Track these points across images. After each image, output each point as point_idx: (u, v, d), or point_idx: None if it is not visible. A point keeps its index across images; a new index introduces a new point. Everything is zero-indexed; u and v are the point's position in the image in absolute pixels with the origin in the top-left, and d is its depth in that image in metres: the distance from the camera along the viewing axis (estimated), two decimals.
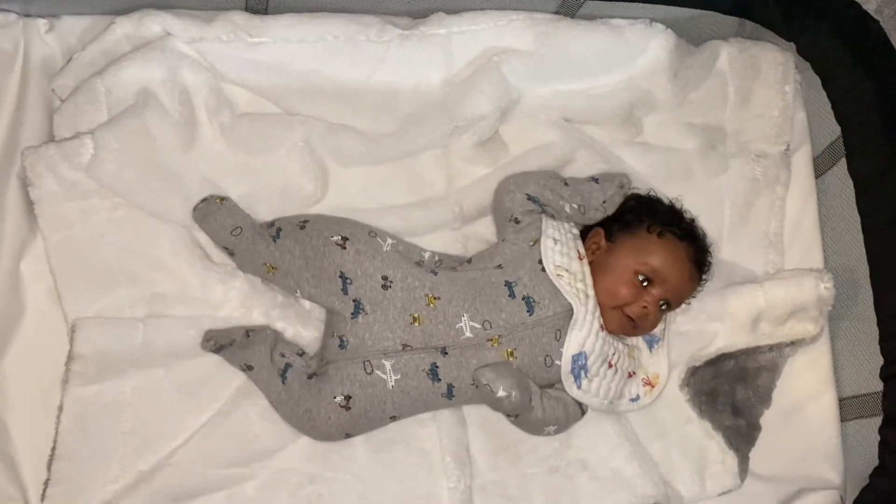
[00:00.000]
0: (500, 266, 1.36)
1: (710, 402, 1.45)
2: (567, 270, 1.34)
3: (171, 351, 1.33)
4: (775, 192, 1.55)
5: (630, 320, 1.35)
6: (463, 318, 1.30)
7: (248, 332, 1.32)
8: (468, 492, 1.37)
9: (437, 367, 1.29)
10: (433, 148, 1.49)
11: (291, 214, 1.40)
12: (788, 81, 1.56)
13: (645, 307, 1.34)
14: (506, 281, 1.33)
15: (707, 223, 1.51)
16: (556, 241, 1.38)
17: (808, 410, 1.48)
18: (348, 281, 1.30)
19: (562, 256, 1.36)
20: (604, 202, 1.43)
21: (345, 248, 1.31)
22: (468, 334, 1.30)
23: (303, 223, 1.35)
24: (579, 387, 1.33)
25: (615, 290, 1.34)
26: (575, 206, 1.42)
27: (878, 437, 1.35)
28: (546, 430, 1.34)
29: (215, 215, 1.36)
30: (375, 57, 1.45)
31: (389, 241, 1.36)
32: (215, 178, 1.40)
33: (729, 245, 1.54)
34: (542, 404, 1.30)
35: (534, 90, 1.52)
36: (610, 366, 1.35)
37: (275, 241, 1.34)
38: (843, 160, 1.48)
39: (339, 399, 1.27)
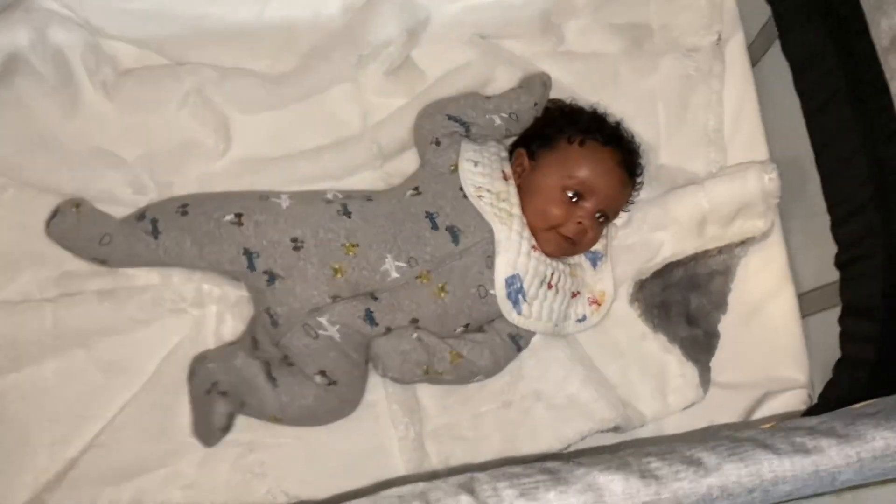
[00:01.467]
0: (417, 190, 1.28)
1: (663, 314, 1.38)
2: (488, 191, 1.26)
3: (88, 329, 1.26)
4: (711, 87, 1.46)
5: (567, 240, 1.27)
6: (387, 260, 1.22)
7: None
8: (419, 439, 1.30)
9: (371, 311, 1.22)
10: (341, 83, 1.39)
11: (183, 179, 1.31)
12: None
13: (580, 223, 1.26)
14: (426, 212, 1.25)
15: (641, 128, 1.42)
16: (476, 163, 1.29)
17: (767, 310, 1.41)
18: (254, 255, 1.21)
19: (483, 177, 1.27)
20: (535, 104, 1.35)
21: (242, 224, 1.21)
22: (395, 275, 1.22)
23: (182, 209, 1.24)
24: (520, 312, 1.26)
25: (545, 211, 1.26)
26: (505, 115, 1.33)
27: (839, 328, 1.28)
28: (473, 379, 1.28)
29: (75, 229, 1.24)
30: None
31: (285, 197, 1.26)
32: (106, 144, 1.31)
33: (667, 148, 1.45)
34: (449, 365, 1.23)
35: (442, 7, 1.42)
36: (550, 286, 1.27)
37: (156, 238, 1.23)
38: (777, 43, 1.38)
39: (318, 379, 1.21)
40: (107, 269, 1.29)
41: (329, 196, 1.30)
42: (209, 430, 1.21)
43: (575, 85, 1.42)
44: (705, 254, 1.38)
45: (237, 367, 1.21)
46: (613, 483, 0.76)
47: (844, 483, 0.80)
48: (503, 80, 1.41)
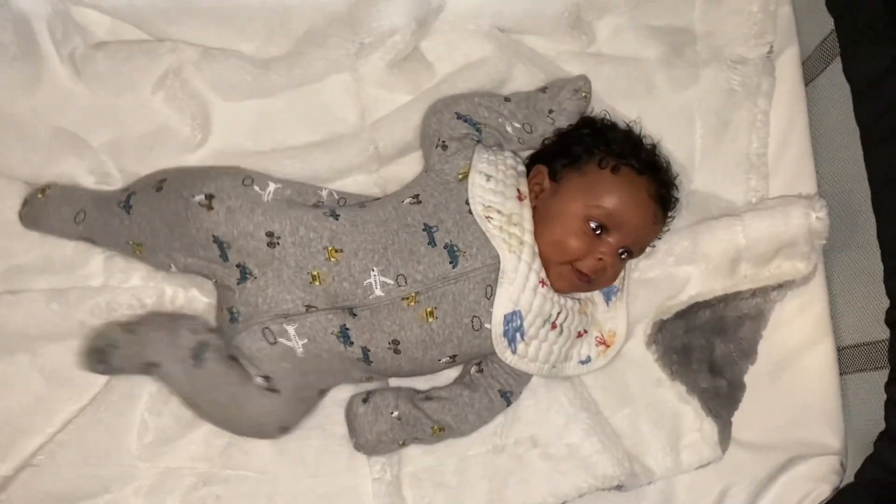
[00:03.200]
0: (417, 198, 1.13)
1: (682, 360, 1.22)
2: (499, 212, 1.10)
3: (33, 332, 1.14)
4: (756, 105, 1.28)
5: (582, 276, 1.11)
6: (372, 274, 1.08)
7: (128, 326, 1.10)
8: (396, 482, 1.17)
9: (347, 329, 1.08)
10: (339, 72, 1.23)
11: (153, 170, 1.17)
12: None
13: (601, 259, 1.10)
14: (425, 224, 1.10)
15: (674, 146, 1.26)
16: (489, 176, 1.13)
17: (800, 363, 1.25)
18: (226, 245, 1.07)
19: (494, 195, 1.12)
20: (550, 112, 1.18)
21: (212, 207, 1.06)
22: (378, 292, 1.07)
23: (159, 184, 1.10)
24: (514, 352, 1.11)
25: (563, 243, 1.10)
26: (518, 124, 1.18)
27: (885, 395, 1.12)
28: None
29: (46, 212, 1.13)
30: None
31: (272, 186, 1.11)
32: (70, 125, 1.18)
33: (702, 172, 1.28)
34: (431, 437, 1.14)
35: None
36: (553, 326, 1.12)
37: (128, 213, 1.10)
38: (838, 60, 1.21)
39: (259, 381, 1.08)
40: (61, 265, 1.16)
41: (323, 194, 1.16)
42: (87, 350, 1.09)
43: (603, 92, 1.25)
44: (736, 296, 1.22)
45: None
46: None
47: None
48: (521, 80, 1.25)
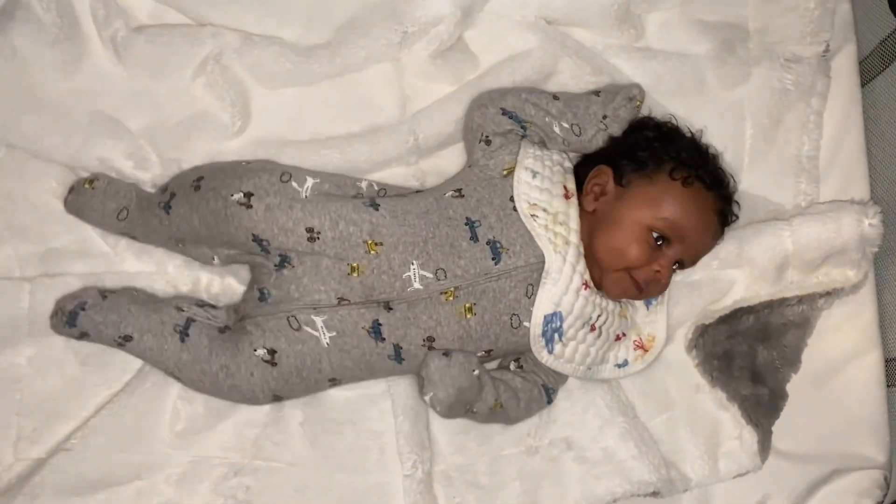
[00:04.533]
0: (460, 192, 1.10)
1: (724, 366, 1.19)
2: (545, 210, 1.08)
3: None
4: (810, 106, 1.24)
5: (637, 285, 1.08)
6: (412, 267, 1.06)
7: (103, 292, 1.10)
8: (427, 480, 1.15)
9: (379, 324, 1.06)
10: (380, 62, 1.20)
11: (191, 156, 1.16)
12: None
13: (658, 271, 1.07)
14: (468, 218, 1.08)
15: (723, 147, 1.23)
16: (535, 173, 1.11)
17: (846, 374, 1.22)
18: (265, 242, 1.06)
19: (540, 192, 1.09)
20: (604, 117, 1.15)
21: (251, 206, 1.05)
22: (417, 285, 1.06)
23: (196, 182, 1.09)
24: (551, 352, 1.09)
25: (624, 249, 1.07)
26: (566, 125, 1.15)
27: None
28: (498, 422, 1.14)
29: (91, 204, 1.13)
30: None
31: (310, 181, 1.10)
32: (109, 109, 1.17)
33: (751, 173, 1.24)
34: (487, 411, 1.09)
35: None
36: (592, 329, 1.09)
37: (167, 213, 1.09)
38: None
39: (261, 352, 1.06)
40: (97, 250, 1.17)
41: (362, 185, 1.14)
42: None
43: (650, 87, 1.21)
44: (782, 302, 1.18)
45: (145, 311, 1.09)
46: None
47: None
48: (567, 73, 1.22)
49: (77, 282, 1.14)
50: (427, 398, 1.05)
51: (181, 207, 1.09)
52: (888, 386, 1.21)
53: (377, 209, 1.08)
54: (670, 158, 1.10)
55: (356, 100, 1.21)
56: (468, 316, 1.06)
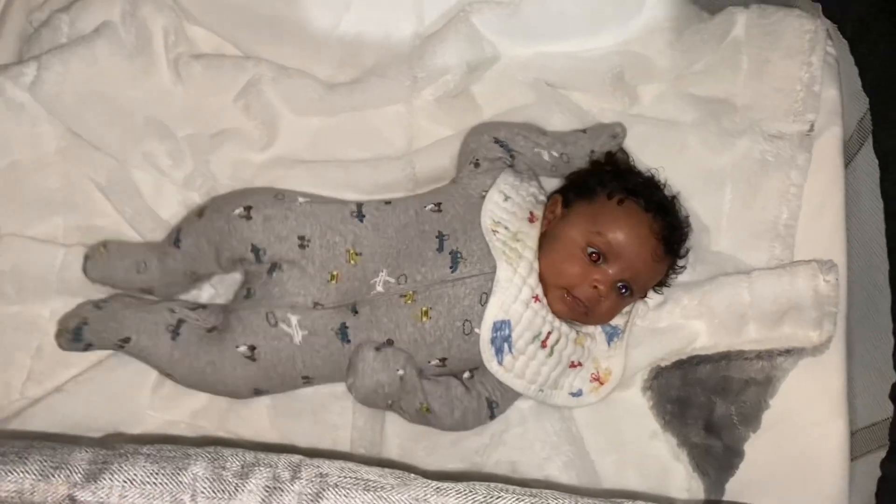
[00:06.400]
0: (439, 207, 1.21)
1: (678, 412, 1.20)
2: (506, 228, 1.17)
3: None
4: (789, 177, 1.29)
5: (579, 303, 1.14)
6: (381, 274, 1.17)
7: (97, 304, 1.23)
8: None
9: (346, 327, 1.15)
10: (396, 103, 1.38)
11: (221, 161, 1.34)
12: (816, 52, 1.31)
13: (595, 287, 1.13)
14: (439, 232, 1.18)
15: (701, 207, 1.30)
16: (507, 197, 1.21)
17: (809, 440, 1.19)
18: (261, 252, 1.19)
19: (507, 213, 1.19)
20: (592, 151, 1.27)
21: (250, 217, 1.19)
22: (379, 289, 1.16)
23: (200, 210, 1.24)
24: (500, 362, 1.14)
25: (559, 266, 1.15)
26: (556, 154, 1.27)
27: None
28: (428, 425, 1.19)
29: (110, 265, 1.24)
30: (342, 1, 1.38)
31: (301, 200, 1.23)
32: (162, 118, 1.36)
33: (727, 235, 1.29)
34: (414, 412, 1.16)
35: (514, 50, 1.39)
36: (543, 345, 1.15)
37: (178, 248, 1.22)
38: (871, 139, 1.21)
39: (242, 349, 1.16)
40: (129, 235, 1.32)
41: (350, 202, 1.26)
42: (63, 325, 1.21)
43: (636, 149, 1.32)
44: (740, 355, 1.19)
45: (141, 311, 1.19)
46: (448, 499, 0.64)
47: None
48: (559, 126, 1.34)
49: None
50: (347, 383, 1.14)
51: (189, 237, 1.22)
52: (852, 459, 1.17)
53: (362, 220, 1.21)
54: (612, 184, 1.18)
55: (369, 133, 1.37)
56: (424, 319, 1.14)
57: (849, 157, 1.31)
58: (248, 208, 1.20)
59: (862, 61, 1.22)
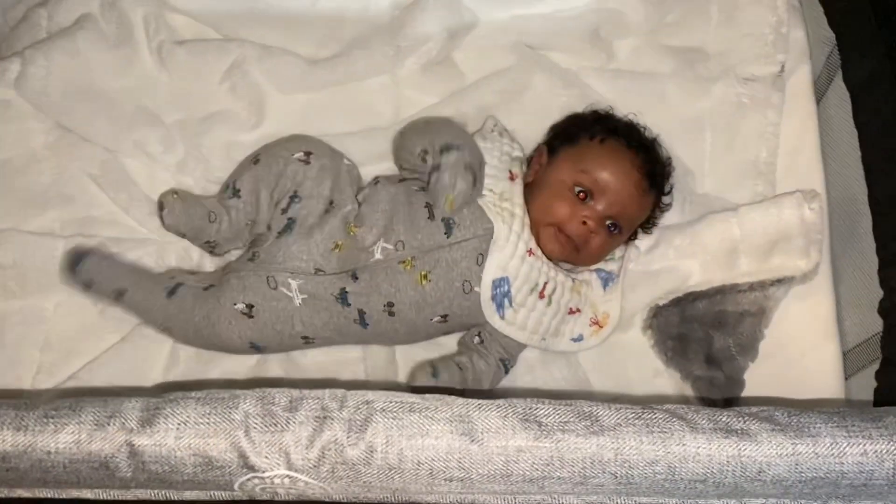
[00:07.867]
0: (425, 186, 1.24)
1: (678, 348, 1.24)
2: (491, 191, 1.21)
3: None
4: (766, 117, 1.35)
5: (569, 240, 1.19)
6: (379, 243, 1.20)
7: (111, 253, 1.27)
8: None
9: (346, 292, 1.18)
10: (380, 74, 1.40)
11: (211, 145, 1.36)
12: None
13: (585, 223, 1.17)
14: (427, 203, 1.21)
15: (685, 152, 1.34)
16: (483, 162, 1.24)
17: (804, 365, 1.24)
18: (296, 199, 1.22)
19: (488, 178, 1.22)
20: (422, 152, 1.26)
21: (308, 162, 1.23)
22: (378, 256, 1.19)
23: (255, 158, 1.27)
24: (502, 317, 1.18)
25: (549, 205, 1.19)
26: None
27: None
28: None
29: (187, 211, 1.24)
30: None
31: (346, 162, 1.28)
32: (149, 105, 1.38)
33: (711, 176, 1.35)
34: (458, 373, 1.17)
35: (492, 13, 1.43)
36: (542, 296, 1.18)
37: (239, 198, 1.24)
38: (840, 74, 1.27)
39: (240, 306, 1.17)
40: (124, 223, 1.33)
41: (347, 161, 1.29)
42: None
43: (618, 101, 1.35)
44: (734, 288, 1.24)
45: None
46: (489, 419, 0.67)
47: (774, 479, 0.66)
48: (541, 88, 1.38)
49: (109, 243, 1.29)
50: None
51: (247, 185, 1.24)
52: (847, 377, 1.23)
53: (357, 195, 1.25)
54: (594, 127, 1.23)
55: (357, 105, 1.39)
56: (423, 283, 1.17)
57: (819, 94, 1.36)
58: (308, 153, 1.23)
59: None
